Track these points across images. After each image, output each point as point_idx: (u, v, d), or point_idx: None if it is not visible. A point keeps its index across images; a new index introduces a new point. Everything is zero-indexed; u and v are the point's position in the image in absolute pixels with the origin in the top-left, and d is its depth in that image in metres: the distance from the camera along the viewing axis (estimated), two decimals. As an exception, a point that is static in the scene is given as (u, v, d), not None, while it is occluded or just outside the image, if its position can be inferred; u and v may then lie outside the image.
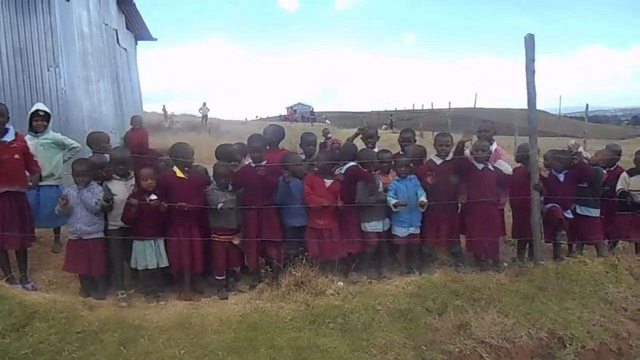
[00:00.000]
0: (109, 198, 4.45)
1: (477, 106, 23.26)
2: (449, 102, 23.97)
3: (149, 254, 4.53)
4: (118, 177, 4.68)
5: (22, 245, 4.67)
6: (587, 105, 16.15)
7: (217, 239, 4.70)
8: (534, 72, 4.70)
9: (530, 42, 4.67)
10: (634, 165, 5.53)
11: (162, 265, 4.59)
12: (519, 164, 5.42)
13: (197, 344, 3.77)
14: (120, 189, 4.60)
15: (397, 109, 44.90)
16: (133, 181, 4.72)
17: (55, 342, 3.66)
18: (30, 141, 5.05)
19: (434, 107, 29.62)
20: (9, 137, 4.58)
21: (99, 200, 4.43)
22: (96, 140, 5.35)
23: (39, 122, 5.23)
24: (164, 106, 30.11)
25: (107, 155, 4.95)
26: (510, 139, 17.58)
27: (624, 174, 5.47)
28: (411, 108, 33.74)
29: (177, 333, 3.88)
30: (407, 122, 30.01)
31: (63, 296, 4.34)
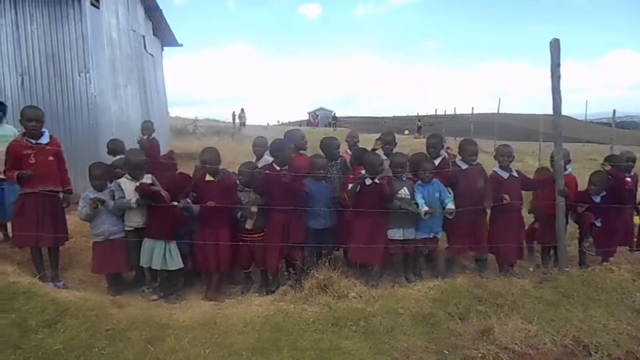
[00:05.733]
0: (101, 201, 4.61)
1: (500, 111, 23.05)
2: (472, 108, 23.80)
3: (156, 254, 4.63)
4: (130, 178, 4.81)
5: (56, 243, 4.86)
6: (614, 111, 15.82)
7: (243, 239, 4.83)
8: (559, 77, 4.67)
9: (555, 47, 4.65)
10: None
11: (170, 268, 4.68)
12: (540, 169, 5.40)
13: (221, 344, 3.83)
14: (132, 189, 4.74)
15: (420, 114, 44.59)
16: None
17: (85, 338, 3.77)
18: None
19: (457, 113, 29.40)
20: (44, 140, 4.80)
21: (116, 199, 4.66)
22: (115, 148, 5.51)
23: None
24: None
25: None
26: (534, 145, 17.33)
27: None
28: (434, 113, 33.51)
29: (202, 332, 3.95)
30: (430, 128, 29.91)
31: (93, 294, 4.48)
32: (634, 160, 5.76)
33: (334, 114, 53.42)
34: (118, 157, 5.42)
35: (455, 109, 29.11)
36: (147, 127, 7.37)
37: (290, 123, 62.61)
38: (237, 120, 29.10)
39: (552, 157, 5.37)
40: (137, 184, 4.72)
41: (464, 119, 25.76)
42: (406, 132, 31.44)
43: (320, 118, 53.63)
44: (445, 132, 24.28)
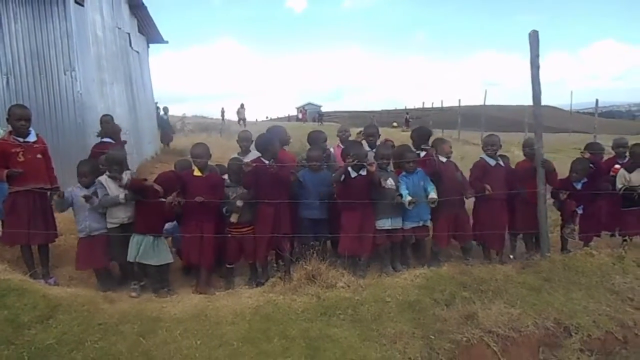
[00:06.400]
0: (87, 197, 4.67)
1: (487, 103, 23.26)
2: (459, 100, 23.96)
3: (145, 248, 4.67)
4: (110, 175, 4.80)
5: (46, 240, 4.90)
6: (597, 101, 16.11)
7: (231, 233, 4.90)
8: (538, 67, 4.78)
9: (534, 38, 4.76)
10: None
11: (157, 264, 4.73)
12: (523, 158, 5.52)
13: (212, 335, 3.90)
14: (114, 186, 4.77)
15: (407, 107, 44.75)
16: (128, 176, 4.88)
17: (78, 333, 3.82)
18: None
19: (444, 105, 29.54)
20: (32, 138, 4.83)
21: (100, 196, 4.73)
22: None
23: None
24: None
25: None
26: (521, 136, 17.55)
27: (622, 171, 5.48)
28: (421, 106, 33.64)
29: (193, 324, 4.01)
30: (417, 121, 30.00)
31: (84, 290, 4.52)
32: (625, 145, 5.90)
33: (319, 110, 53.45)
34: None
35: (442, 101, 29.18)
36: (107, 122, 7.23)
37: (278, 119, 62.51)
38: (236, 117, 28.54)
39: (524, 145, 5.51)
40: (125, 179, 4.77)
41: (453, 112, 25.89)
42: (394, 124, 31.59)
43: (309, 113, 53.67)
44: (433, 125, 24.42)
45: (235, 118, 30.34)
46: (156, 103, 22.87)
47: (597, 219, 5.56)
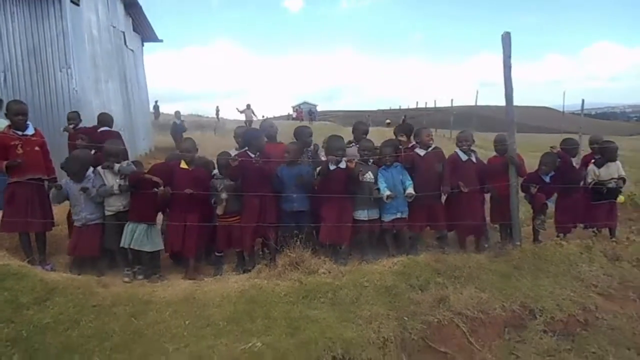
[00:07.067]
0: (84, 189, 4.99)
1: (478, 103, 23.57)
2: (452, 100, 24.26)
3: (138, 235, 4.98)
4: (106, 167, 5.13)
5: (44, 228, 5.17)
6: (583, 101, 16.61)
7: (220, 222, 5.19)
8: (510, 67, 5.04)
9: (507, 39, 5.02)
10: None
11: (150, 250, 5.04)
12: (493, 154, 5.83)
13: (200, 316, 4.16)
14: (111, 176, 5.09)
15: (402, 107, 45.02)
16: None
17: (73, 314, 4.07)
18: None
19: (438, 106, 29.82)
20: (30, 132, 5.12)
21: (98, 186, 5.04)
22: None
23: None
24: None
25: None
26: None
27: (592, 167, 5.81)
28: (415, 106, 33.95)
29: (182, 307, 4.26)
30: (412, 120, 30.31)
31: (79, 275, 4.78)
32: (599, 142, 6.15)
33: (311, 108, 53.68)
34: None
35: (435, 101, 29.46)
36: (73, 117, 7.39)
37: (274, 118, 62.69)
38: (230, 115, 27.75)
39: (495, 142, 5.80)
40: (116, 168, 5.07)
41: (448, 112, 26.17)
42: (387, 121, 31.97)
43: (305, 112, 53.92)
44: (427, 124, 24.67)
45: (229, 117, 29.97)
46: (156, 102, 22.77)
47: (572, 211, 5.85)
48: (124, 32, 13.84)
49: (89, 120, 9.57)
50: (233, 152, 5.44)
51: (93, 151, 5.62)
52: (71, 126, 7.23)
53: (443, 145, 6.14)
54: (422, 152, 5.50)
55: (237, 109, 25.87)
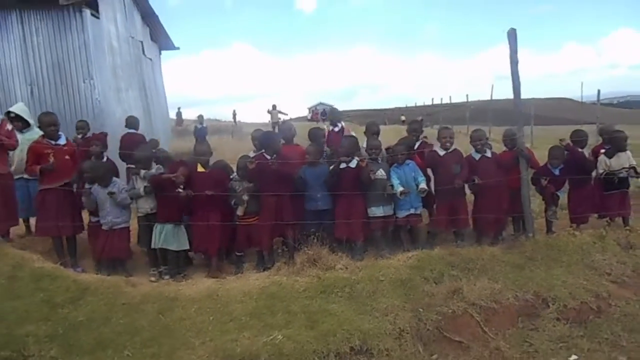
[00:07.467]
0: (111, 193, 5.27)
1: (499, 97, 23.45)
2: (467, 95, 24.20)
3: (164, 235, 5.25)
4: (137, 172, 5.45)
5: (74, 233, 5.48)
6: (599, 91, 16.54)
7: (240, 223, 5.41)
8: (517, 63, 5.12)
9: (512, 35, 5.11)
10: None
11: (177, 249, 5.32)
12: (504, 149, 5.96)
13: (223, 312, 4.38)
14: (140, 180, 5.41)
15: (417, 104, 44.91)
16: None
17: (104, 311, 4.34)
18: (17, 136, 5.75)
19: (453, 101, 29.79)
20: (62, 142, 5.50)
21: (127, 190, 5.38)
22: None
23: (14, 122, 5.92)
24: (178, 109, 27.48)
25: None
26: (526, 128, 17.77)
27: (603, 157, 5.86)
28: (430, 103, 33.91)
29: (206, 303, 4.49)
30: (428, 117, 30.31)
31: (109, 276, 5.04)
32: (610, 132, 6.19)
33: (324, 110, 53.72)
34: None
35: (450, 97, 29.45)
36: (82, 127, 7.45)
37: (292, 119, 62.93)
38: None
39: (504, 137, 5.92)
40: (142, 173, 5.36)
41: (464, 107, 26.10)
42: (402, 118, 32.05)
43: (319, 113, 53.94)
44: (443, 121, 24.69)
45: (246, 120, 29.57)
46: (179, 108, 22.69)
47: (587, 202, 5.91)
48: (142, 42, 14.21)
49: (111, 127, 9.93)
50: (251, 155, 5.65)
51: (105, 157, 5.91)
52: (79, 135, 7.40)
53: (459, 141, 6.22)
54: (442, 152, 5.64)
55: (268, 110, 24.56)
